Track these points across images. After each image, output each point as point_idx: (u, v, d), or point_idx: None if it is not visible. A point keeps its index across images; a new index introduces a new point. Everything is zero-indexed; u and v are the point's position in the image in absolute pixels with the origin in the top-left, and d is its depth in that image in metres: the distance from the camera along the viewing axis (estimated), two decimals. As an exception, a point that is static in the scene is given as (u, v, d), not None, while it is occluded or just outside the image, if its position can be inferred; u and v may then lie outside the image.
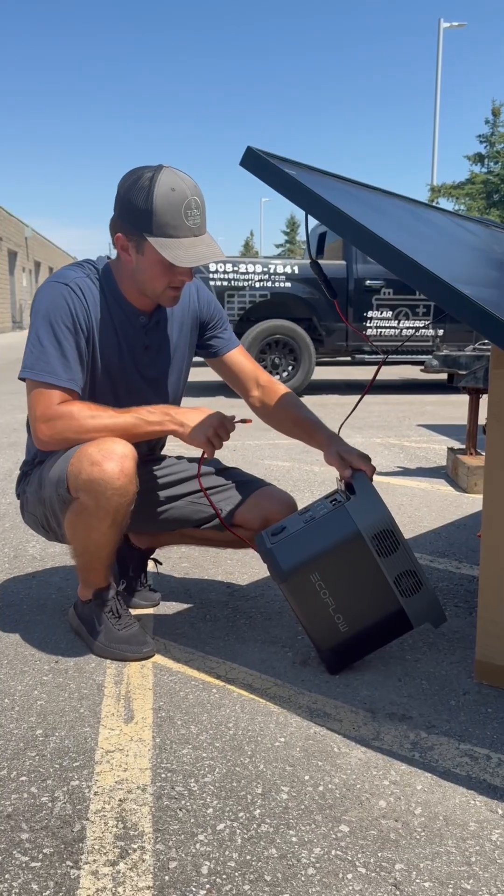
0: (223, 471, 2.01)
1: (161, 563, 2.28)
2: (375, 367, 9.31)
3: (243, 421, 1.81)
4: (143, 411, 1.72)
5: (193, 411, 1.76)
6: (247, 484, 1.97)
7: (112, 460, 1.63)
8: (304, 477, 3.75)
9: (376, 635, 1.71)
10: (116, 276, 1.78)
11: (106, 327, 1.77)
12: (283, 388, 1.97)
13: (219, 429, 1.73)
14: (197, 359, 2.04)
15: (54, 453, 1.77)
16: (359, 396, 1.91)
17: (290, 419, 1.94)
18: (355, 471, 1.73)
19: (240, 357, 1.99)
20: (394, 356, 7.68)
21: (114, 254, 1.81)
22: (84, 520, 1.68)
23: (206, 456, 1.80)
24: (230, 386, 2.02)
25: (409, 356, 7.73)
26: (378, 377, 9.74)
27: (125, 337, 1.80)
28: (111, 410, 1.71)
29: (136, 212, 1.64)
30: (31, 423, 1.73)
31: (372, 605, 1.67)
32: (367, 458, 1.76)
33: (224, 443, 1.77)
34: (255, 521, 1.91)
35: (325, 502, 1.73)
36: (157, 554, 2.27)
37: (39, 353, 1.68)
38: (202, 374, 9.34)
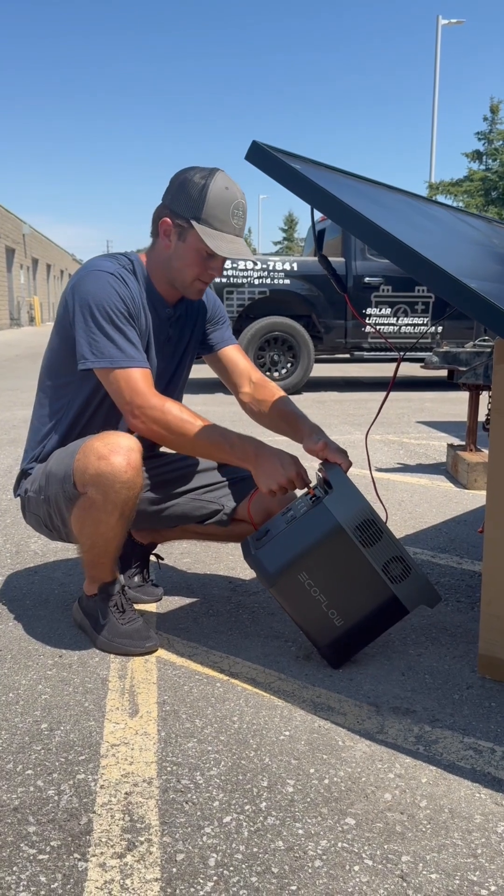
0: (223, 466, 2.02)
1: (163, 559, 2.28)
2: (376, 364, 9.20)
3: (308, 487, 1.78)
4: (234, 437, 1.74)
5: (275, 457, 1.73)
6: (247, 479, 1.98)
7: (119, 454, 1.63)
8: (305, 473, 3.75)
9: (373, 625, 1.71)
10: (148, 266, 1.82)
11: (140, 317, 1.80)
12: (273, 386, 2.01)
13: (287, 484, 1.72)
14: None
15: (56, 452, 1.79)
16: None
17: (277, 413, 1.95)
18: (331, 464, 1.74)
19: (235, 354, 2.03)
20: (393, 353, 7.68)
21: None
22: (92, 514, 1.68)
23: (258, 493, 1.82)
24: (223, 382, 2.06)
25: (408, 353, 7.73)
26: (377, 374, 9.75)
27: (153, 327, 1.83)
28: (201, 420, 1.73)
29: (189, 198, 1.70)
30: (122, 409, 1.72)
31: (364, 597, 1.68)
32: (343, 453, 1.76)
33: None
34: (257, 514, 1.91)
35: (306, 499, 1.74)
36: (159, 549, 2.27)
37: (107, 341, 1.70)
38: (203, 371, 9.32)
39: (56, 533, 1.87)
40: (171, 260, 1.77)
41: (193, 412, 1.75)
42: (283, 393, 2.00)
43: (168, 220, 1.74)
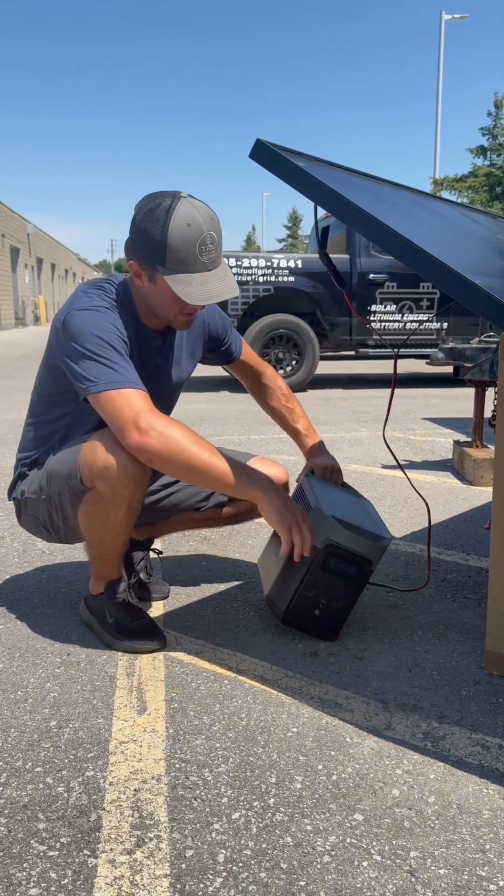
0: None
1: (161, 553, 2.28)
2: (381, 361, 9.17)
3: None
4: (249, 468, 1.68)
5: (287, 498, 1.70)
6: (237, 457, 1.98)
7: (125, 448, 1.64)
8: (311, 470, 3.75)
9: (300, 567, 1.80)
10: (134, 297, 1.77)
11: (128, 348, 1.78)
12: (279, 393, 2.15)
13: (303, 524, 1.69)
14: None
15: (54, 451, 1.78)
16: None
17: (284, 426, 2.19)
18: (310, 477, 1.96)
19: (246, 357, 2.14)
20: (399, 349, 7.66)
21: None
22: (100, 508, 1.69)
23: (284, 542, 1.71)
24: (239, 380, 2.20)
25: (413, 349, 7.72)
26: (382, 371, 9.73)
27: (140, 357, 1.79)
28: (211, 447, 1.65)
29: (150, 243, 1.62)
30: (121, 432, 1.60)
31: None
32: (335, 471, 2.06)
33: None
34: None
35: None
36: (161, 545, 2.28)
37: (107, 367, 1.62)
38: (205, 370, 9.30)
39: (55, 534, 1.86)
40: (147, 299, 1.72)
41: (201, 438, 1.67)
42: (289, 402, 2.16)
43: (135, 263, 1.67)
